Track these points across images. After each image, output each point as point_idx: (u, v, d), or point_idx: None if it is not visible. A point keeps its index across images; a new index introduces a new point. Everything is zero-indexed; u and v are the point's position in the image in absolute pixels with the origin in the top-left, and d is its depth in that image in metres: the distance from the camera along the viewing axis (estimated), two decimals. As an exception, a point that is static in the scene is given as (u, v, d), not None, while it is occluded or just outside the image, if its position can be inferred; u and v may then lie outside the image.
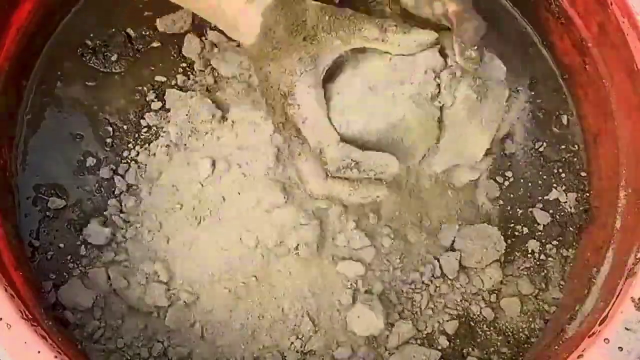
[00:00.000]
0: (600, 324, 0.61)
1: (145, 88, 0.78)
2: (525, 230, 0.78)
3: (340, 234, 0.70)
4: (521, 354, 0.74)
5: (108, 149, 0.76)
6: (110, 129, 0.77)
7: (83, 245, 0.72)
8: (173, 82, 0.78)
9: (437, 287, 0.73)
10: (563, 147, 0.82)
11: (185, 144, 0.73)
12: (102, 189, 0.74)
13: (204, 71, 0.79)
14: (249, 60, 0.71)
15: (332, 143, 0.64)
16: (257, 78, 0.69)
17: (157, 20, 0.81)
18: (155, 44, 0.80)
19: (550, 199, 0.79)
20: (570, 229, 0.78)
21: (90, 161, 0.75)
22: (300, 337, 0.69)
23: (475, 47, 0.65)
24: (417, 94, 0.67)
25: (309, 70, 0.64)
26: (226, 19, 0.67)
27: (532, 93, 0.83)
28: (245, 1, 0.65)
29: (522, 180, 0.80)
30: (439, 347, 0.72)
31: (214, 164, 0.71)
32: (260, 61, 0.66)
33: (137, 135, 0.77)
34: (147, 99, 0.78)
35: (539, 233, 0.78)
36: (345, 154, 0.63)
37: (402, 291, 0.72)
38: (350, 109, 0.66)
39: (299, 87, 0.64)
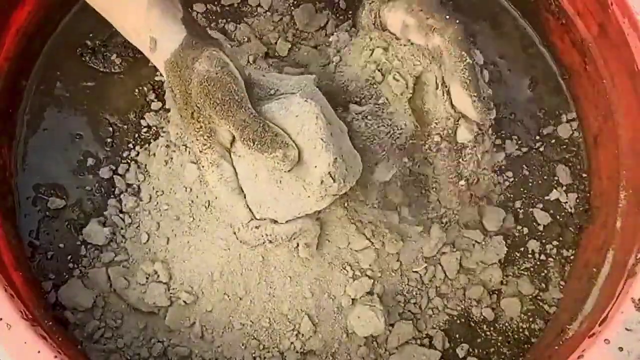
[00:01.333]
0: (600, 325, 0.61)
1: (145, 88, 0.78)
2: (525, 230, 0.78)
3: (340, 234, 0.70)
4: (521, 354, 0.74)
5: (108, 149, 0.76)
6: (110, 129, 0.77)
7: (83, 245, 0.72)
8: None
9: (437, 287, 0.73)
10: (563, 147, 0.82)
11: (185, 144, 0.73)
12: (102, 189, 0.74)
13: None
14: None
15: (241, 227, 0.63)
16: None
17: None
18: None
19: (550, 199, 0.79)
20: (570, 229, 0.78)
21: (90, 161, 0.76)
22: (300, 337, 0.69)
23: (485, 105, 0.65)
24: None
25: (206, 148, 0.61)
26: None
27: (532, 93, 0.83)
28: (149, 49, 0.62)
29: (522, 180, 0.80)
30: (439, 348, 0.71)
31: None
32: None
33: (137, 135, 0.77)
34: (147, 99, 0.78)
35: (539, 233, 0.78)
36: (257, 235, 0.63)
37: (403, 292, 0.72)
38: (260, 195, 0.64)
39: (203, 163, 0.62)
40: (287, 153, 0.59)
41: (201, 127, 0.61)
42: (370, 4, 0.73)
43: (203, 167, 0.63)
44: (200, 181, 0.71)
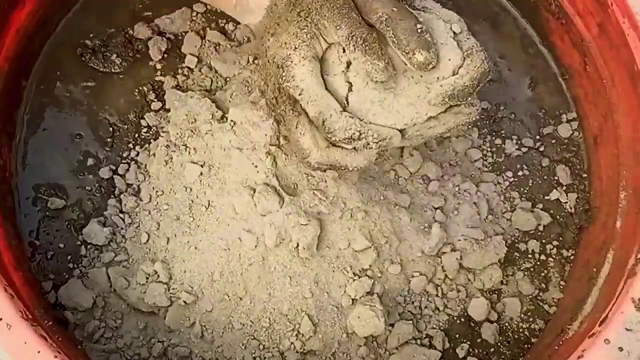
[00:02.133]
0: (600, 325, 0.61)
1: (145, 88, 0.78)
2: (525, 230, 0.77)
3: (340, 234, 0.70)
4: (521, 354, 0.74)
5: (108, 149, 0.76)
6: (110, 129, 0.77)
7: (83, 245, 0.72)
8: (173, 82, 0.78)
9: (437, 287, 0.73)
10: (563, 147, 0.82)
11: (185, 144, 0.73)
12: (102, 189, 0.74)
13: (203, 71, 0.79)
14: (256, 40, 0.68)
15: (334, 113, 0.61)
16: (259, 56, 0.67)
17: (157, 20, 0.81)
18: (154, 44, 0.80)
19: (550, 199, 0.79)
20: (570, 229, 0.78)
21: (90, 161, 0.75)
22: (300, 337, 0.69)
23: (420, 48, 0.59)
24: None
25: (304, 44, 0.62)
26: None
27: (532, 93, 0.84)
28: None
29: (522, 180, 0.80)
30: (439, 348, 0.71)
31: (212, 164, 0.72)
32: (263, 38, 0.65)
33: (137, 135, 0.77)
34: (147, 99, 0.78)
35: (539, 233, 0.78)
36: (350, 123, 0.60)
37: (403, 292, 0.72)
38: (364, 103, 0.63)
39: (294, 58, 0.62)
40: (388, 67, 0.60)
41: (306, 25, 0.62)
42: None
43: (294, 62, 0.62)
44: (201, 181, 0.72)
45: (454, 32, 0.63)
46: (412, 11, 0.62)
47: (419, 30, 0.60)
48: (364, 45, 0.60)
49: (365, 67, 0.60)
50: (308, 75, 0.62)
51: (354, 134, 0.60)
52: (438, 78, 0.62)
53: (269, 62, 0.64)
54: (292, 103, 0.64)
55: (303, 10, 0.62)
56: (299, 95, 0.62)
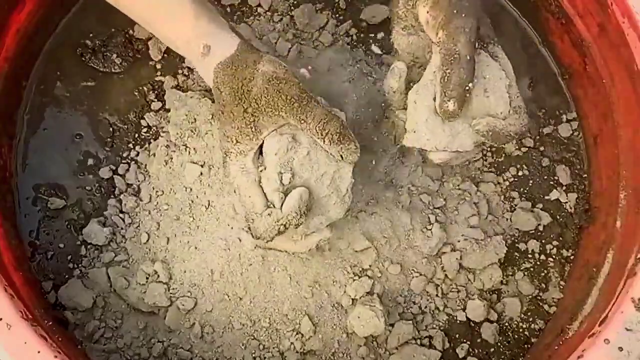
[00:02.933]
0: (600, 324, 0.61)
1: (145, 88, 0.78)
2: (525, 230, 0.77)
3: (340, 235, 0.70)
4: (521, 354, 0.73)
5: (108, 149, 0.76)
6: (110, 129, 0.77)
7: (83, 246, 0.72)
8: (173, 82, 0.78)
9: (437, 287, 0.73)
10: (563, 147, 0.82)
11: (185, 144, 0.73)
12: (102, 189, 0.74)
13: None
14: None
15: (256, 217, 0.62)
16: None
17: (157, 20, 0.81)
18: (154, 44, 0.80)
19: (551, 199, 0.79)
20: (570, 229, 0.78)
21: (90, 161, 0.75)
22: (300, 337, 0.69)
23: (456, 100, 0.60)
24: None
25: (245, 139, 0.62)
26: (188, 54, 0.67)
27: (532, 93, 0.83)
28: (201, 55, 0.64)
29: (522, 180, 0.80)
30: (439, 348, 0.71)
31: (212, 164, 0.72)
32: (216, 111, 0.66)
33: (137, 135, 0.77)
34: (147, 99, 0.78)
35: (539, 233, 0.78)
36: (270, 223, 0.61)
37: (403, 292, 0.72)
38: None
39: (231, 155, 0.63)
40: (357, 145, 0.62)
41: (252, 121, 0.62)
42: None
43: (230, 157, 0.63)
44: (201, 181, 0.72)
45: (508, 86, 0.64)
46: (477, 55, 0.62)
47: (466, 88, 0.60)
48: (338, 137, 0.61)
49: (340, 154, 0.62)
50: (239, 174, 0.63)
51: (279, 229, 0.61)
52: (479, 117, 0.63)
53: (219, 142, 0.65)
54: (265, 117, 0.63)
55: (250, 106, 0.62)
56: (234, 191, 0.63)
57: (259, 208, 0.62)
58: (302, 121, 0.61)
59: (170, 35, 0.66)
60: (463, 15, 0.61)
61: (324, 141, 0.61)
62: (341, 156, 0.62)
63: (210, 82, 0.65)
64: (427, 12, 0.63)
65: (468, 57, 0.60)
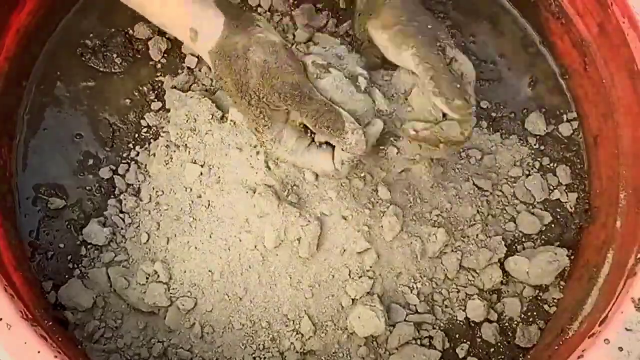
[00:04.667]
0: (600, 324, 0.61)
1: (145, 88, 0.78)
2: (526, 230, 0.77)
3: (340, 235, 0.70)
4: (521, 354, 0.74)
5: (108, 149, 0.76)
6: (110, 129, 0.77)
7: (83, 246, 0.72)
8: (173, 82, 0.78)
9: (437, 287, 0.73)
10: (563, 146, 0.82)
11: (185, 144, 0.73)
12: (102, 189, 0.74)
13: (203, 71, 0.79)
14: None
15: (339, 160, 0.63)
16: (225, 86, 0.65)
17: (157, 20, 0.81)
18: (154, 44, 0.80)
19: (551, 199, 0.79)
20: (570, 229, 0.78)
21: (90, 161, 0.75)
22: (300, 337, 0.69)
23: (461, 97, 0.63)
24: None
25: (267, 129, 0.62)
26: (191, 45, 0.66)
27: (532, 93, 0.83)
28: (190, 39, 0.63)
29: (522, 180, 0.80)
30: (439, 348, 0.71)
31: (212, 165, 0.72)
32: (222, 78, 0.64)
33: (137, 135, 0.77)
34: (147, 99, 0.78)
35: (539, 233, 0.78)
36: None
37: (403, 292, 0.72)
38: None
39: (269, 146, 0.63)
40: (358, 139, 0.61)
41: (260, 112, 0.61)
42: (358, 17, 0.72)
43: (267, 147, 0.63)
44: (201, 181, 0.72)
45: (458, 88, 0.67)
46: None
47: (457, 86, 0.63)
48: (330, 131, 0.61)
49: (335, 143, 0.62)
50: (287, 156, 0.64)
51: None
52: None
53: (247, 66, 0.61)
54: (271, 108, 0.62)
55: (252, 99, 0.62)
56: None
57: (329, 165, 0.63)
58: (300, 115, 0.61)
59: (162, 19, 0.65)
60: (419, 37, 0.64)
61: (321, 132, 0.61)
62: (341, 148, 0.62)
63: (213, 69, 0.64)
64: (382, 30, 0.67)
65: (442, 65, 0.63)
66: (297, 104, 0.60)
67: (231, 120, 0.72)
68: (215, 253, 0.70)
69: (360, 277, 0.70)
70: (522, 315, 0.75)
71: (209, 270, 0.70)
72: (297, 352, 0.69)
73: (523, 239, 0.77)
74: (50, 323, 0.61)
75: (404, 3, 0.67)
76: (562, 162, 0.81)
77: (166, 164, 0.73)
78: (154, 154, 0.74)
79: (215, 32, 0.62)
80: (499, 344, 0.74)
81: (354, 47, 0.82)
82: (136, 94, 0.78)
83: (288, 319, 0.69)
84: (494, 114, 0.82)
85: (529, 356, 0.73)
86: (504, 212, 0.78)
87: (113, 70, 0.79)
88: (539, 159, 0.80)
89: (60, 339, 0.59)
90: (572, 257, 0.77)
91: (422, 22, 0.65)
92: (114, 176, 0.74)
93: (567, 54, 0.82)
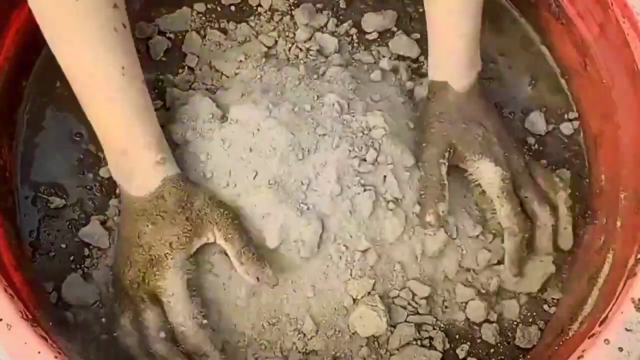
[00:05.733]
0: (600, 325, 0.61)
1: (145, 88, 0.78)
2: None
3: (342, 234, 0.70)
4: (521, 354, 0.74)
5: (108, 148, 0.76)
6: (110, 128, 0.77)
7: (84, 245, 0.72)
8: (173, 82, 0.78)
9: (437, 287, 0.73)
10: (563, 147, 0.82)
11: (185, 144, 0.73)
12: (102, 188, 0.74)
13: (204, 70, 0.79)
14: (120, 205, 0.70)
15: (190, 328, 0.65)
16: (119, 229, 0.69)
17: (157, 19, 0.81)
18: (155, 43, 0.80)
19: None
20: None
21: (91, 160, 0.75)
22: (302, 337, 0.69)
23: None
24: None
25: (182, 247, 0.64)
26: (124, 165, 0.67)
27: (532, 92, 0.84)
28: (155, 162, 0.65)
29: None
30: (440, 348, 0.71)
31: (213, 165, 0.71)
32: (133, 215, 0.66)
33: (137, 135, 0.76)
34: (148, 98, 0.78)
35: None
36: (200, 341, 0.65)
37: (403, 292, 0.72)
38: None
39: (171, 262, 0.64)
40: (269, 274, 0.66)
41: (190, 230, 0.65)
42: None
43: (169, 265, 0.65)
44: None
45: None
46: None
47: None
48: (252, 259, 0.66)
49: (255, 275, 0.66)
50: (179, 284, 0.64)
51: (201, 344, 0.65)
52: None
53: (139, 247, 0.65)
54: (148, 297, 0.65)
55: (192, 214, 0.65)
56: (166, 298, 0.65)
57: (191, 325, 0.65)
58: (229, 240, 0.65)
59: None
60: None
61: (242, 260, 0.65)
62: (257, 278, 0.66)
63: (145, 189, 0.66)
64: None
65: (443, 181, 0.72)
66: (233, 229, 0.66)
67: (232, 120, 0.72)
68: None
69: (361, 276, 0.70)
70: (522, 316, 0.75)
71: (209, 270, 0.70)
72: (299, 352, 0.69)
73: (523, 239, 0.77)
74: (51, 323, 0.61)
75: None
76: (562, 162, 0.81)
77: (166, 163, 0.73)
78: (154, 154, 0.74)
79: (150, 186, 0.66)
80: (499, 344, 0.74)
81: (354, 47, 0.83)
82: (136, 93, 0.78)
83: (290, 319, 0.69)
84: (493, 114, 0.82)
85: (529, 356, 0.73)
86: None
87: (113, 70, 0.79)
88: (539, 159, 0.80)
89: (60, 339, 0.59)
90: (572, 257, 0.77)
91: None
92: (114, 176, 0.74)
93: (567, 54, 0.82)
